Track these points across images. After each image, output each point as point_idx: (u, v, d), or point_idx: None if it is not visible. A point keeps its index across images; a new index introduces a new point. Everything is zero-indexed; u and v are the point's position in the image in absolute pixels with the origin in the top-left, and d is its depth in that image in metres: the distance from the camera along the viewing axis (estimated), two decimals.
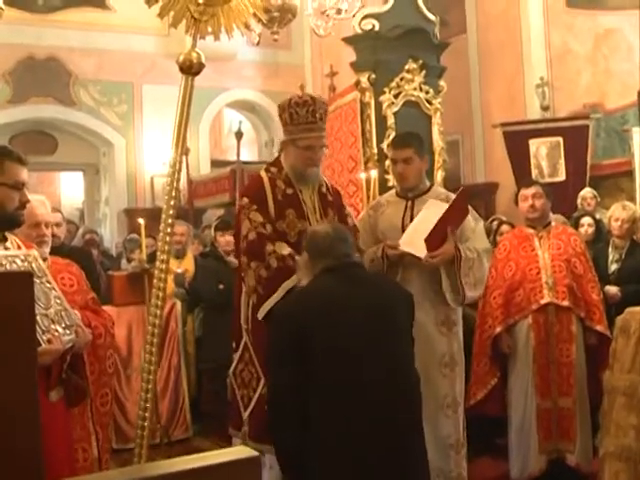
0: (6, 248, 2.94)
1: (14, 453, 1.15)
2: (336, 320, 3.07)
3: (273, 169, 4.11)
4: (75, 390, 3.10)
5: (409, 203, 4.43)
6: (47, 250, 3.62)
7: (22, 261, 2.85)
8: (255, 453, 1.37)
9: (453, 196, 4.35)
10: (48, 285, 2.94)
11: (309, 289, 3.27)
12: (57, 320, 2.87)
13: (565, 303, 4.93)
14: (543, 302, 4.93)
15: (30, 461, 1.18)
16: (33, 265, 2.88)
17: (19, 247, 3.04)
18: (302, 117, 3.95)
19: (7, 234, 3.02)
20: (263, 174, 4.09)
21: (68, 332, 2.90)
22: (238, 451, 1.41)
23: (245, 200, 3.99)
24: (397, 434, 3.06)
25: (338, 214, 4.16)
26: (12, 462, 1.13)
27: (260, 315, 3.78)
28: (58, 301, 2.94)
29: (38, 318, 2.69)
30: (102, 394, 3.65)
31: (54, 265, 3.65)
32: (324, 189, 4.18)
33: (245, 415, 3.95)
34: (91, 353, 3.53)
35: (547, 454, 4.93)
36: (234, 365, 4.08)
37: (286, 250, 3.79)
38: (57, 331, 2.80)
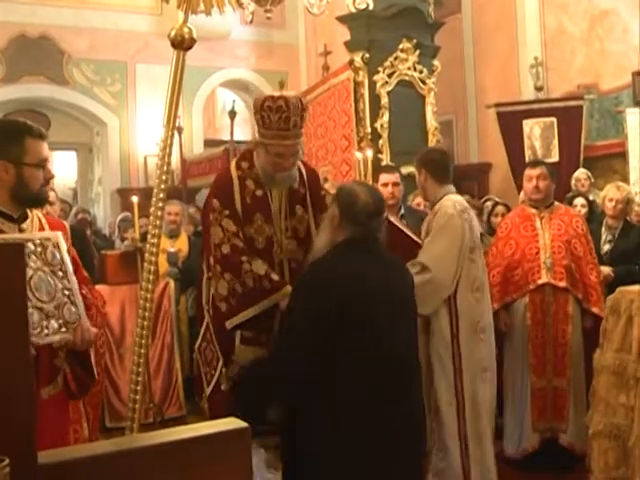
0: (21, 230, 2.79)
1: (7, 426, 1.16)
2: (369, 294, 3.04)
3: (244, 164, 3.91)
4: (77, 384, 2.91)
5: None
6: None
7: (36, 245, 2.63)
8: (245, 424, 1.38)
9: (442, 208, 4.29)
10: (60, 274, 2.69)
11: (343, 261, 3.13)
12: (53, 315, 2.62)
13: (562, 284, 4.94)
14: (540, 282, 4.95)
15: (23, 435, 1.19)
16: (48, 251, 2.67)
17: (41, 228, 2.88)
18: (274, 123, 3.66)
19: (34, 212, 2.90)
20: (233, 171, 3.90)
21: (64, 330, 2.64)
22: (227, 422, 1.42)
23: (216, 203, 3.80)
24: (409, 405, 3.12)
25: (312, 201, 4.00)
26: (5, 435, 1.14)
27: (229, 325, 3.73)
28: (66, 293, 2.69)
29: (29, 312, 2.40)
30: None
31: None
32: (296, 184, 3.98)
33: (208, 391, 3.97)
34: None
35: (540, 433, 4.97)
36: (199, 342, 4.09)
37: (262, 270, 3.67)
38: (47, 328, 2.57)
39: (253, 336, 3.75)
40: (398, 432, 3.04)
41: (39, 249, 2.65)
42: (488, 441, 4.22)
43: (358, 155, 4.71)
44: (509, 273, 5.02)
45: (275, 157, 3.75)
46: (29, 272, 2.53)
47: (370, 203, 3.18)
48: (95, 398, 3.71)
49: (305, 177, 4.04)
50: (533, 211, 5.16)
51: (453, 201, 4.28)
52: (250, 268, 3.67)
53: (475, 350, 4.19)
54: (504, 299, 5.01)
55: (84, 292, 2.90)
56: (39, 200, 2.85)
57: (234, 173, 3.88)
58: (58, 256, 2.70)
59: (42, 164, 2.82)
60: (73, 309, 2.70)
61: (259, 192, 3.85)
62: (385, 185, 5.23)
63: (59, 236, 2.77)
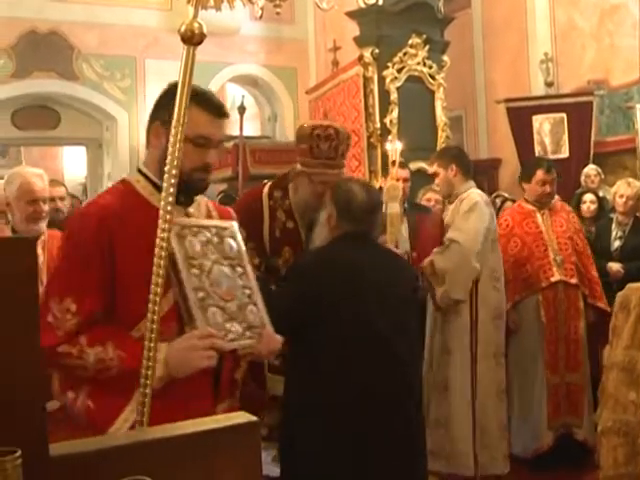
0: (188, 215, 2.38)
1: (18, 417, 1.16)
2: (358, 289, 3.10)
3: (277, 194, 3.76)
4: (249, 400, 2.51)
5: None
6: (43, 225, 3.63)
7: (213, 234, 2.32)
8: (254, 418, 1.39)
9: (466, 197, 4.51)
10: (239, 270, 2.36)
11: (335, 257, 3.22)
12: (236, 317, 2.26)
13: (574, 280, 4.96)
14: (554, 280, 4.95)
15: (35, 426, 1.20)
16: (225, 242, 2.36)
17: (209, 215, 2.52)
18: (324, 152, 3.57)
19: (202, 199, 2.53)
20: (265, 201, 3.75)
21: (248, 334, 2.28)
22: (237, 416, 1.43)
23: (242, 232, 3.61)
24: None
25: None
26: (17, 426, 1.15)
27: None
28: (247, 292, 2.34)
29: (212, 310, 2.20)
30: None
31: (51, 239, 3.66)
32: None
33: None
34: None
35: (555, 430, 4.96)
36: None
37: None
38: (230, 331, 2.22)
39: (280, 365, 3.53)
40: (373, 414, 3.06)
41: (215, 239, 2.33)
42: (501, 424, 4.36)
43: (388, 146, 4.80)
44: (517, 270, 5.02)
45: (319, 186, 3.58)
46: (207, 264, 2.25)
47: (366, 201, 3.26)
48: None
49: None
50: (532, 207, 5.16)
51: (479, 193, 4.63)
52: None
53: (493, 336, 4.33)
54: (514, 298, 5.01)
55: None
56: (188, 187, 2.31)
57: (265, 203, 3.76)
58: (235, 248, 2.40)
59: (203, 142, 2.33)
60: (255, 310, 2.35)
61: (290, 224, 3.73)
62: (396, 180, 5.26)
63: (234, 226, 2.49)
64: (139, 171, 2.45)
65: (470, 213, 4.43)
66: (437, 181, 4.91)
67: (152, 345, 1.93)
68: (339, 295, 3.06)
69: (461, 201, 4.53)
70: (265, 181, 4.00)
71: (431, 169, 5.02)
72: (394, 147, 4.75)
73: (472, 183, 4.69)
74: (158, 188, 2.19)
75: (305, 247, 3.67)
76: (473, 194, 4.55)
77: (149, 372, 1.82)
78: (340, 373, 3.02)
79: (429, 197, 6.22)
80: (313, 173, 3.60)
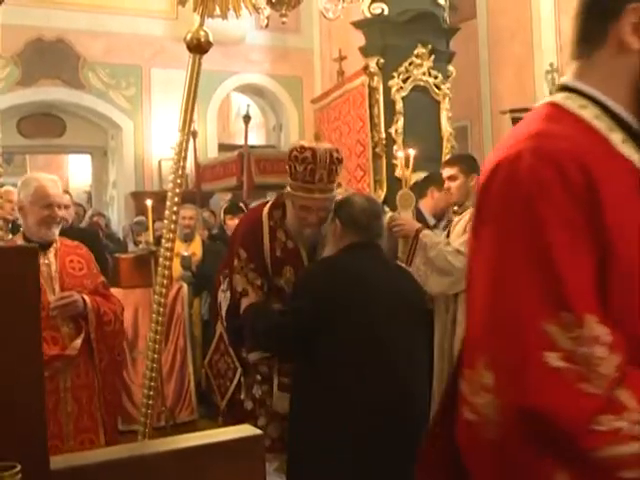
0: None
1: (19, 431, 1.15)
2: (367, 298, 3.08)
3: (276, 213, 3.74)
4: None
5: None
6: (56, 232, 3.61)
7: None
8: (258, 431, 1.37)
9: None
10: None
11: (344, 264, 3.22)
12: None
13: None
14: None
15: (35, 440, 1.18)
16: None
17: None
18: (299, 174, 3.48)
19: None
20: (265, 221, 3.72)
21: None
22: (241, 429, 1.41)
23: (243, 254, 3.66)
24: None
25: None
26: (17, 440, 1.13)
27: (251, 359, 3.70)
28: None
29: None
30: (111, 383, 3.65)
31: (63, 247, 3.65)
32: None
33: (223, 404, 3.95)
34: (101, 341, 3.51)
35: None
36: (209, 356, 4.05)
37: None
38: None
39: (290, 382, 3.51)
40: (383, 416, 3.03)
41: None
42: None
43: (400, 154, 4.56)
44: None
45: (300, 211, 3.55)
46: None
47: (367, 207, 3.30)
48: (113, 408, 3.68)
49: None
50: None
51: None
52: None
53: None
54: None
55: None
56: None
57: (265, 223, 3.72)
58: None
59: None
60: None
61: (290, 244, 3.68)
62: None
63: None
64: (572, 90, 1.54)
65: None
66: (453, 185, 4.63)
67: (156, 356, 1.91)
68: (352, 303, 3.05)
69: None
70: (268, 198, 4.00)
71: (449, 171, 4.70)
72: (406, 154, 4.59)
73: None
74: (622, 125, 1.42)
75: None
76: None
77: (153, 374, 1.80)
78: (355, 386, 3.00)
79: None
80: (294, 196, 3.55)
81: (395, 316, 3.11)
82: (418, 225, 4.46)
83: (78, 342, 3.39)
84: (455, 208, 4.84)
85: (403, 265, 4.04)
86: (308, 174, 3.45)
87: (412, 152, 4.57)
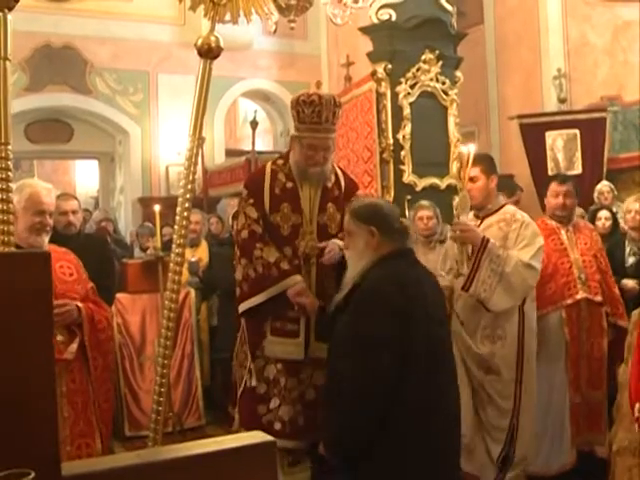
0: None
1: (31, 439, 1.15)
2: (428, 308, 3.02)
3: (280, 161, 4.14)
4: None
5: (479, 222, 4.48)
6: (46, 239, 3.57)
7: None
8: (270, 438, 1.36)
9: (520, 217, 4.39)
10: None
11: (403, 275, 3.02)
12: None
13: (598, 298, 4.91)
14: (578, 297, 4.88)
15: (47, 447, 1.18)
16: None
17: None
18: (307, 116, 3.93)
19: None
20: (268, 165, 4.14)
21: None
22: (253, 436, 1.40)
23: (244, 192, 4.07)
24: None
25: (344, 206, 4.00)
26: (30, 447, 1.13)
27: (240, 309, 3.93)
28: None
29: None
30: (105, 390, 3.64)
31: (53, 253, 3.62)
32: (330, 184, 4.11)
33: (239, 393, 4.03)
34: (95, 348, 3.51)
35: (577, 447, 4.91)
36: (237, 347, 4.18)
37: (273, 257, 3.85)
38: None
39: (281, 326, 3.87)
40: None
41: None
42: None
43: (463, 149, 4.09)
44: (541, 288, 4.89)
45: (307, 150, 3.95)
46: None
47: (394, 210, 3.29)
48: (107, 414, 3.66)
49: (342, 182, 4.20)
50: (556, 224, 5.10)
51: (519, 212, 4.51)
52: (261, 255, 3.85)
53: (534, 352, 4.42)
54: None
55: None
56: None
57: (268, 167, 4.11)
58: None
59: None
60: None
61: (289, 184, 4.02)
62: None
63: None
64: None
65: (536, 237, 4.37)
66: (474, 187, 4.43)
67: (165, 362, 1.91)
68: (420, 312, 2.96)
69: (513, 222, 4.36)
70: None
71: (472, 171, 4.34)
72: (468, 150, 4.10)
73: (502, 198, 4.64)
74: None
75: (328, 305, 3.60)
76: (521, 214, 4.45)
77: (163, 380, 1.79)
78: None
79: (421, 215, 6.16)
80: (302, 137, 3.97)
81: (441, 325, 3.12)
82: (482, 234, 4.24)
83: (74, 346, 3.38)
84: (473, 212, 4.61)
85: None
86: (316, 116, 3.91)
87: (473, 148, 4.13)
